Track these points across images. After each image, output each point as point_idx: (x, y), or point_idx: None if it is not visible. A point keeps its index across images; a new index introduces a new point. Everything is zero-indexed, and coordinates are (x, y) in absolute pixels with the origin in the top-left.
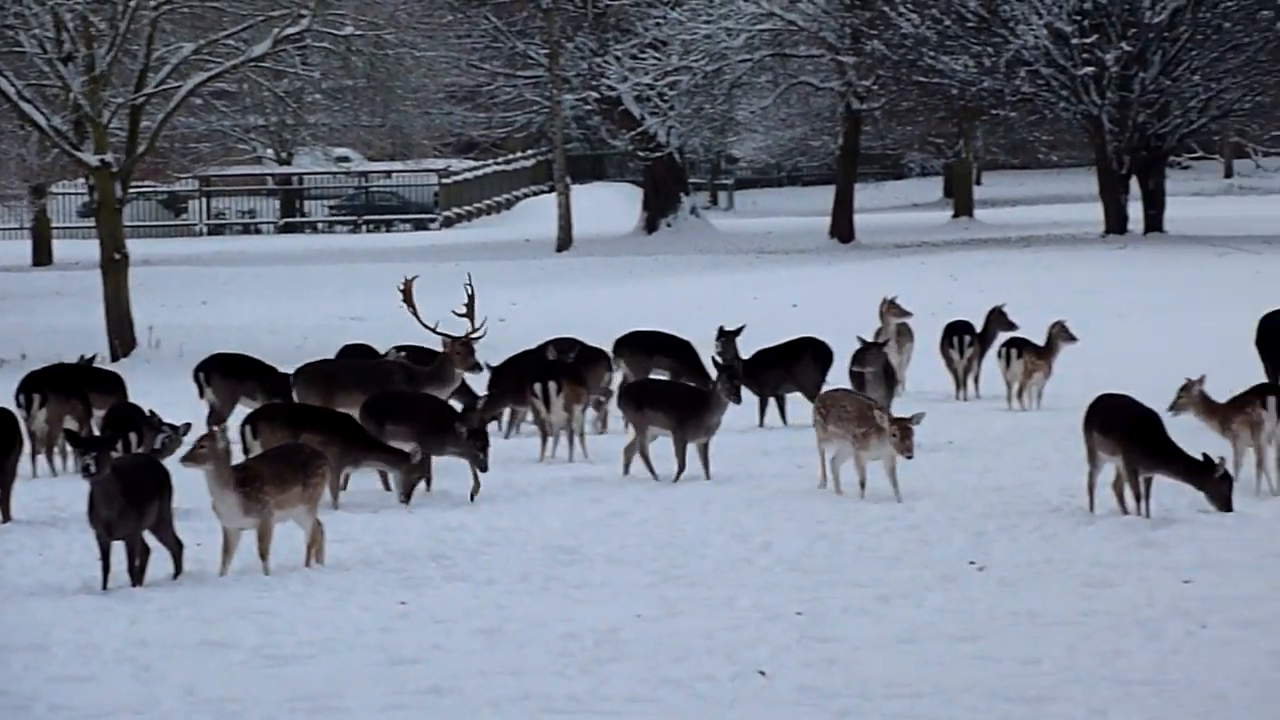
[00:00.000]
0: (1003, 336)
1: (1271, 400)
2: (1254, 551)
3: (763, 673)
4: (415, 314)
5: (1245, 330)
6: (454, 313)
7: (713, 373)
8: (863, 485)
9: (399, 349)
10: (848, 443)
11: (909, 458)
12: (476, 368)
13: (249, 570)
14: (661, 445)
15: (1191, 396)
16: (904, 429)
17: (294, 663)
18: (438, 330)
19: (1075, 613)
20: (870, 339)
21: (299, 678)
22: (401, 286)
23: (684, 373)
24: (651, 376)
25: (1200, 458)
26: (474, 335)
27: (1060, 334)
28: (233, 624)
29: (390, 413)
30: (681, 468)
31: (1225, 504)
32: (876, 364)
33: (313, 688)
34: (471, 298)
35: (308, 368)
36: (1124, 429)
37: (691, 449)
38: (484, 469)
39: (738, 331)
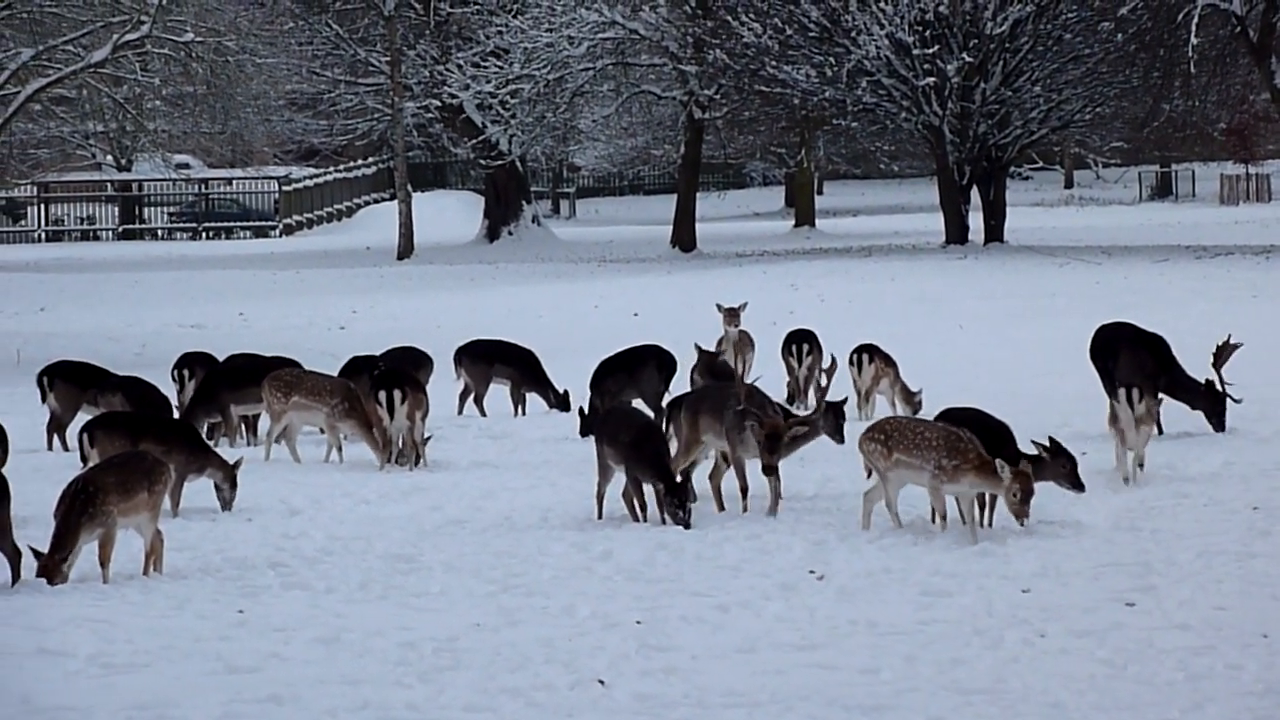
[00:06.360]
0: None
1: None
2: (1091, 561)
3: (601, 682)
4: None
5: (1085, 341)
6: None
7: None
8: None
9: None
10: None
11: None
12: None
13: (87, 578)
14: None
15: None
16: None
17: (130, 671)
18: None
19: (914, 622)
20: (710, 348)
21: (136, 686)
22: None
23: (524, 383)
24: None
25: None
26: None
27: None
28: (69, 632)
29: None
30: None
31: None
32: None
33: (149, 696)
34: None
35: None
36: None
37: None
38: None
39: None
